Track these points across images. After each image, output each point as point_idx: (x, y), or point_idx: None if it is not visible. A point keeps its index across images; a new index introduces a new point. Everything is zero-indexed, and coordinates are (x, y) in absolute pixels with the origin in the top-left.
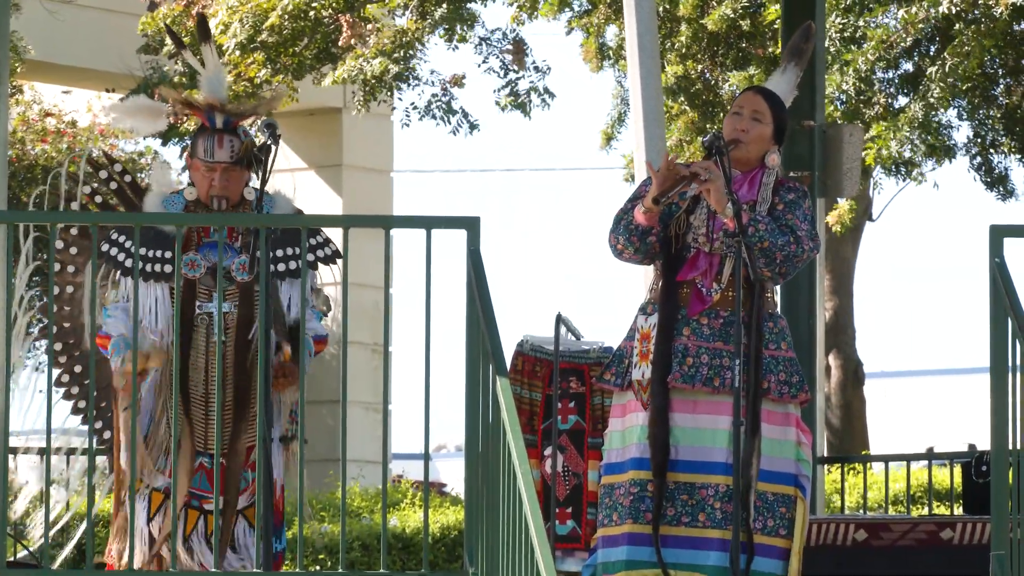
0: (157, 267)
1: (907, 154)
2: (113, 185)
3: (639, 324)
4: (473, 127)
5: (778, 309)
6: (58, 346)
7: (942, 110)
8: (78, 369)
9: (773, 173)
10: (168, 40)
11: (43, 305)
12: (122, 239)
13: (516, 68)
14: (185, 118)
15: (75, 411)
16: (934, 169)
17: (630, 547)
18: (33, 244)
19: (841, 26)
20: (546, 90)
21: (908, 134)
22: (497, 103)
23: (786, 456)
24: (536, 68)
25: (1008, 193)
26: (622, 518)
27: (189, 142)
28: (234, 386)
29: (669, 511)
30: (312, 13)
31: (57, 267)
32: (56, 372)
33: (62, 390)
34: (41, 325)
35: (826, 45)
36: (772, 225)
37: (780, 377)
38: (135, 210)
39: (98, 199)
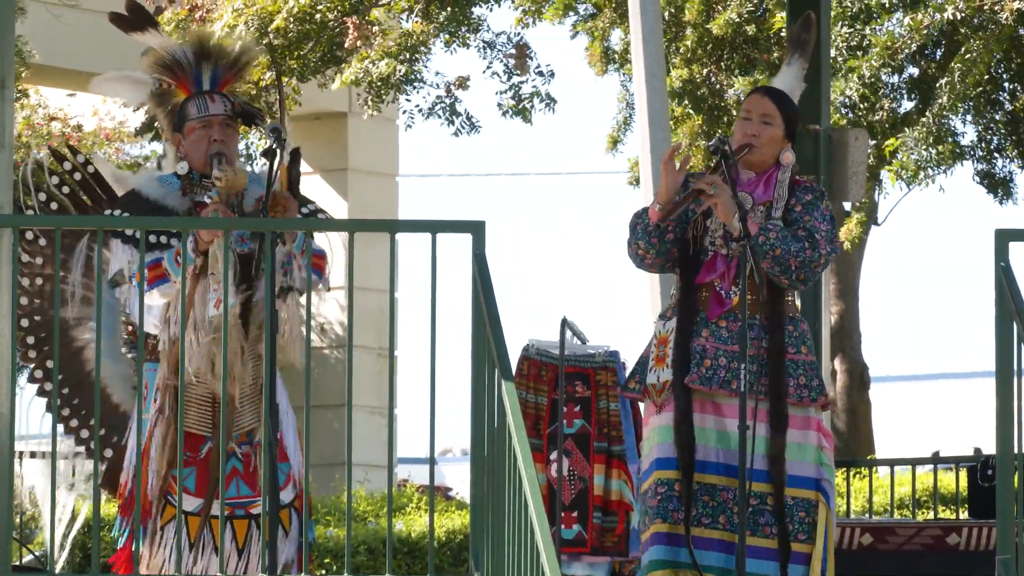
0: (163, 239)
1: (919, 161)
2: (77, 176)
3: (657, 329)
4: (474, 127)
5: (799, 313)
6: (31, 339)
7: (951, 116)
8: (50, 364)
9: (788, 170)
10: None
11: (28, 304)
12: (121, 214)
13: (519, 72)
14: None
15: (48, 409)
16: (941, 174)
17: (658, 546)
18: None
19: (847, 35)
20: (548, 95)
21: (923, 150)
22: (500, 105)
23: (807, 460)
24: (539, 73)
25: (1008, 195)
26: (652, 519)
27: (177, 119)
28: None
29: (691, 511)
30: (318, 16)
31: (25, 258)
32: (29, 367)
33: (36, 386)
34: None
35: (832, 55)
36: (784, 232)
37: (800, 381)
38: (100, 201)
39: (65, 189)
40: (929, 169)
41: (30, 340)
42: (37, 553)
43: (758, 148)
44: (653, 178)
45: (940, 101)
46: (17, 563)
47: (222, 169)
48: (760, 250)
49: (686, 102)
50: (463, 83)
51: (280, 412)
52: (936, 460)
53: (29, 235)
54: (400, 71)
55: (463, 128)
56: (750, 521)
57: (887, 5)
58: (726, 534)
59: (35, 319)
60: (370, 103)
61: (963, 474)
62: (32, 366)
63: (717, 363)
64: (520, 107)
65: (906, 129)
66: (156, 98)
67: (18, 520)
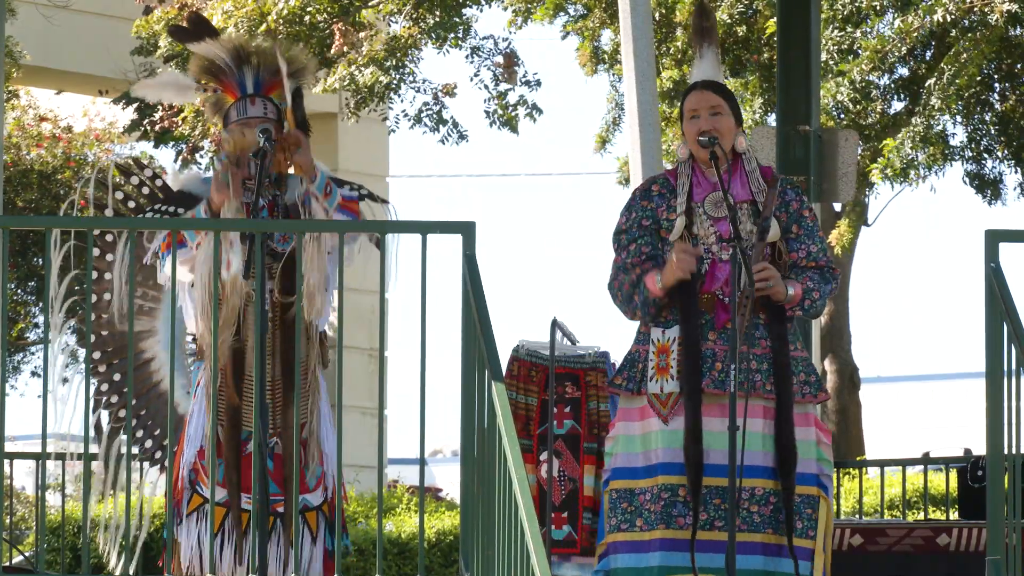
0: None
1: (905, 160)
2: (145, 190)
3: (654, 336)
4: (462, 137)
5: None
6: (96, 355)
7: (944, 116)
8: (117, 378)
9: (752, 158)
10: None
11: (81, 314)
12: (164, 208)
13: (507, 80)
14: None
15: (115, 420)
16: (929, 176)
17: (664, 552)
18: (70, 253)
19: (838, 38)
20: (534, 106)
21: (910, 149)
22: (486, 112)
23: (808, 456)
24: (526, 83)
25: (997, 196)
26: (651, 524)
27: (223, 123)
28: (282, 362)
29: (702, 515)
30: (307, 18)
31: (95, 275)
32: (95, 381)
33: (102, 399)
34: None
35: (823, 57)
36: (820, 283)
37: (800, 377)
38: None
39: (131, 204)
40: (920, 169)
41: (96, 355)
42: (27, 554)
43: (720, 140)
44: (643, 179)
45: (930, 102)
46: (8, 564)
47: (229, 131)
48: (808, 314)
49: (676, 103)
50: (450, 91)
51: (321, 415)
52: (926, 461)
53: (96, 251)
54: (384, 81)
55: (449, 135)
56: (771, 520)
57: (878, 7)
58: (743, 535)
59: (102, 334)
60: (352, 109)
61: (953, 475)
62: (99, 380)
63: (727, 365)
64: (507, 118)
65: (902, 131)
66: (213, 106)
67: (8, 521)
